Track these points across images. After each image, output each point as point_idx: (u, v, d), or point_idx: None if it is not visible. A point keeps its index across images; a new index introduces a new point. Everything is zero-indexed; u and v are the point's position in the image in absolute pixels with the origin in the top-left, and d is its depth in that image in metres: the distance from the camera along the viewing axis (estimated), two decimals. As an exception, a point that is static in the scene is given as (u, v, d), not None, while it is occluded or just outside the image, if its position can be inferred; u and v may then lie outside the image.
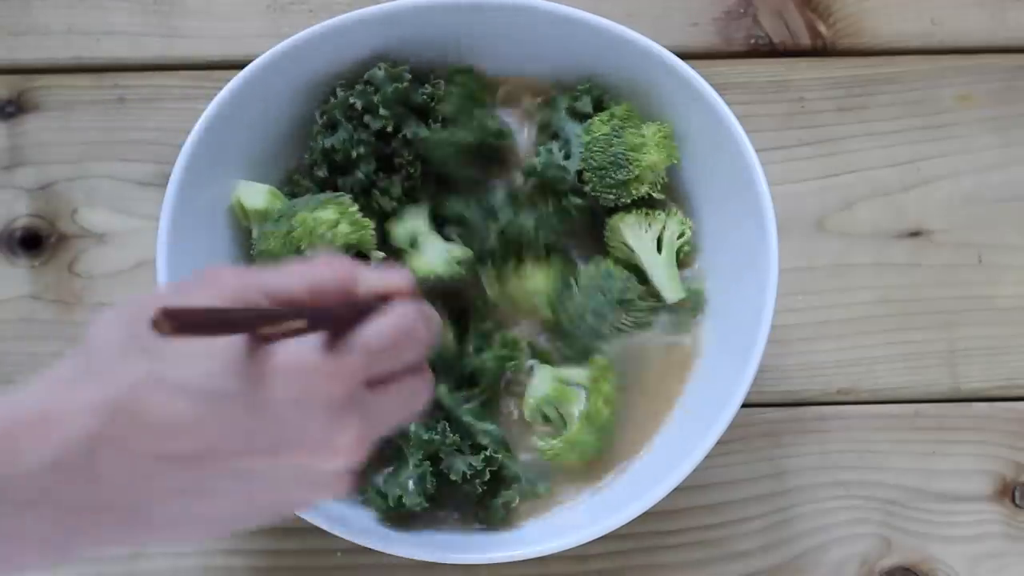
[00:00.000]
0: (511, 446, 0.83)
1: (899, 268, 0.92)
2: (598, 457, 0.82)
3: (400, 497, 0.78)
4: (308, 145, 0.85)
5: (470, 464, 0.78)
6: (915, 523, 0.88)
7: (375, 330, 0.58)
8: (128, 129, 0.93)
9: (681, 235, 0.84)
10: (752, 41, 0.97)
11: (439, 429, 0.79)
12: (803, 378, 0.90)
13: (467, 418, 0.81)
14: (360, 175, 0.82)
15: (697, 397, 0.82)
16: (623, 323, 0.82)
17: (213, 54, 0.94)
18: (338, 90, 0.83)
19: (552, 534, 0.77)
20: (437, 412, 0.81)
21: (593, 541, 0.75)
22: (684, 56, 0.82)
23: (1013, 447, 0.89)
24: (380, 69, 0.82)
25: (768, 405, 0.89)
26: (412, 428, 0.79)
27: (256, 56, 0.80)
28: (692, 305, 0.84)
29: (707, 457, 0.76)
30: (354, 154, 0.82)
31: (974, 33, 0.97)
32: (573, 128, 0.85)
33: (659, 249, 0.83)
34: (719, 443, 0.76)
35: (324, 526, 0.75)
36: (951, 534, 0.87)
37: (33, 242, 0.91)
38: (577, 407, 0.81)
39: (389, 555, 0.75)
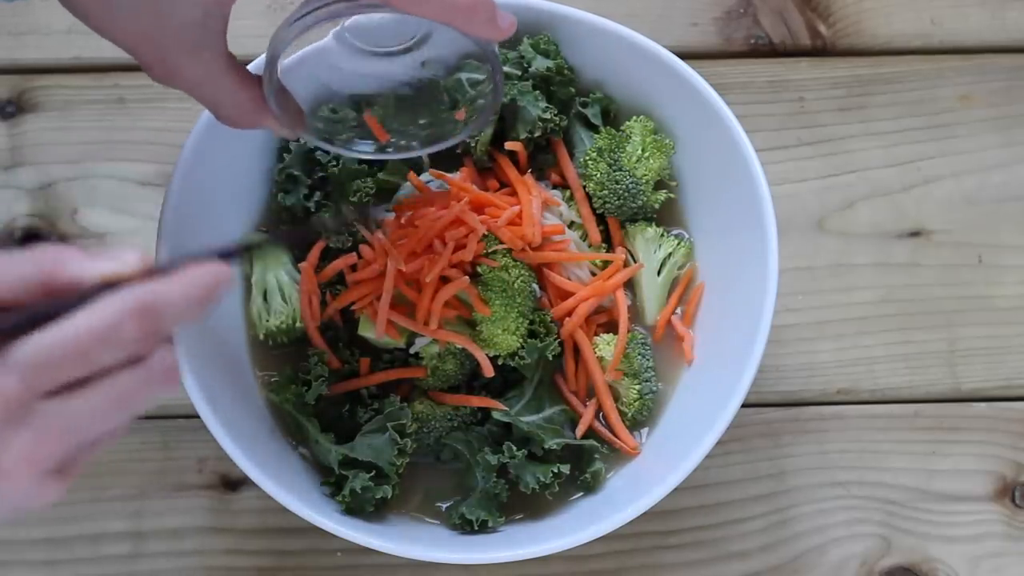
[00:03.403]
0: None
1: (899, 268, 0.92)
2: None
3: (485, 521, 0.78)
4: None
5: (538, 478, 0.78)
6: (915, 523, 0.87)
7: (44, 339, 0.52)
8: (128, 129, 0.93)
9: (682, 266, 0.85)
10: (752, 41, 0.96)
11: (504, 449, 0.79)
12: (802, 378, 0.90)
13: (525, 427, 0.80)
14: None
15: (697, 397, 0.82)
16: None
17: (213, 54, 0.94)
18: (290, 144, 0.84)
19: (552, 534, 0.77)
20: (496, 429, 0.81)
21: (593, 541, 0.75)
22: (684, 56, 0.82)
23: (1013, 447, 0.89)
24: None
25: (767, 405, 0.89)
26: (479, 454, 0.80)
27: (256, 56, 0.79)
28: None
29: (706, 457, 0.76)
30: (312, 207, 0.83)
31: (974, 33, 0.97)
32: (584, 135, 0.86)
33: (659, 271, 0.84)
34: (719, 443, 0.76)
35: (324, 526, 0.75)
36: (951, 534, 0.87)
37: (33, 242, 0.91)
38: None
39: (389, 555, 0.75)
